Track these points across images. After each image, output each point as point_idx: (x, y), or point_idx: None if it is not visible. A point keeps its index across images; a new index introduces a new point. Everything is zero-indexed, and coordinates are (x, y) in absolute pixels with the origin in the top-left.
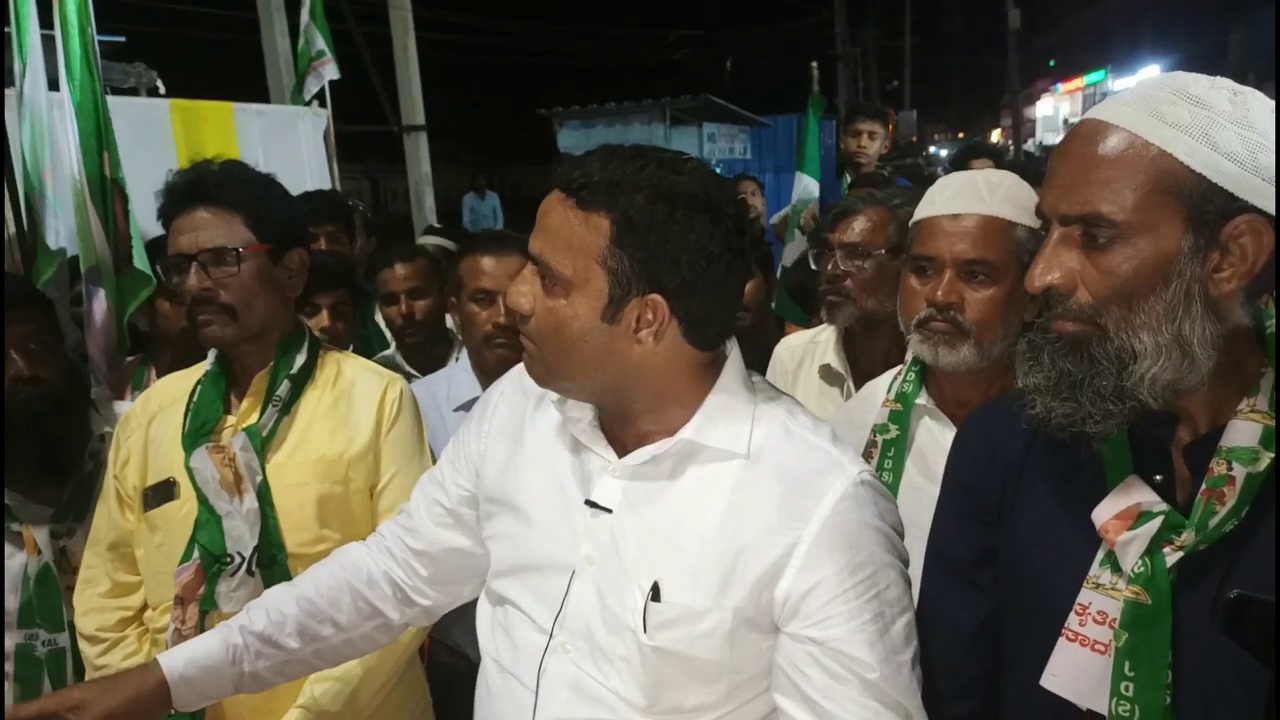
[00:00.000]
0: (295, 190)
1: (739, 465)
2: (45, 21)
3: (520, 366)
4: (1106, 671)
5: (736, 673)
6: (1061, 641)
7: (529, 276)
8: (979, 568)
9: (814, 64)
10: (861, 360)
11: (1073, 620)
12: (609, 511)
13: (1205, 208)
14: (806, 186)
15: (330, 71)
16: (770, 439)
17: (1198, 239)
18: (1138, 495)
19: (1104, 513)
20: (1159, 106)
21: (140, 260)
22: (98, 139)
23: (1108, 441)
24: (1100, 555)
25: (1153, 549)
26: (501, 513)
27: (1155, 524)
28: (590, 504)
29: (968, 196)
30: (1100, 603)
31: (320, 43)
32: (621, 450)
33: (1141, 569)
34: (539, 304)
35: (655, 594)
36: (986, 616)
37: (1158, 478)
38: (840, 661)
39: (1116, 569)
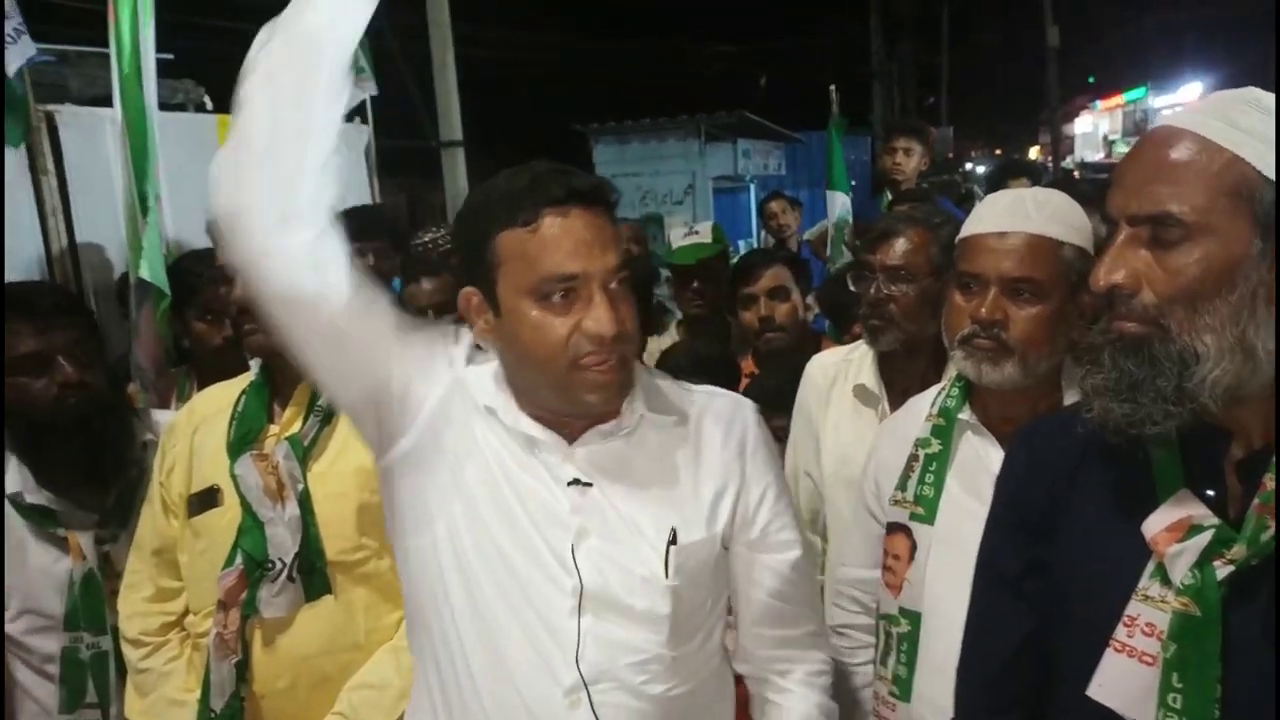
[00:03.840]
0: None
1: (674, 421)
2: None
3: (470, 377)
4: (1154, 683)
5: (719, 592)
6: (1109, 652)
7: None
8: (1026, 580)
9: (832, 86)
10: (898, 381)
11: (1120, 631)
12: (590, 485)
13: (1274, 213)
14: (842, 203)
15: (369, 88)
16: (680, 397)
17: (1265, 243)
18: (1189, 508)
19: (1154, 525)
20: (1232, 114)
21: (158, 275)
22: (147, 154)
23: (1163, 446)
24: (1150, 568)
25: (1203, 562)
26: (460, 500)
27: (1205, 537)
28: (575, 482)
29: (1014, 214)
30: (1149, 615)
31: (362, 60)
32: (569, 435)
33: (1191, 581)
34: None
35: (673, 538)
36: (1033, 629)
37: (1209, 492)
38: (775, 545)
39: (1166, 581)
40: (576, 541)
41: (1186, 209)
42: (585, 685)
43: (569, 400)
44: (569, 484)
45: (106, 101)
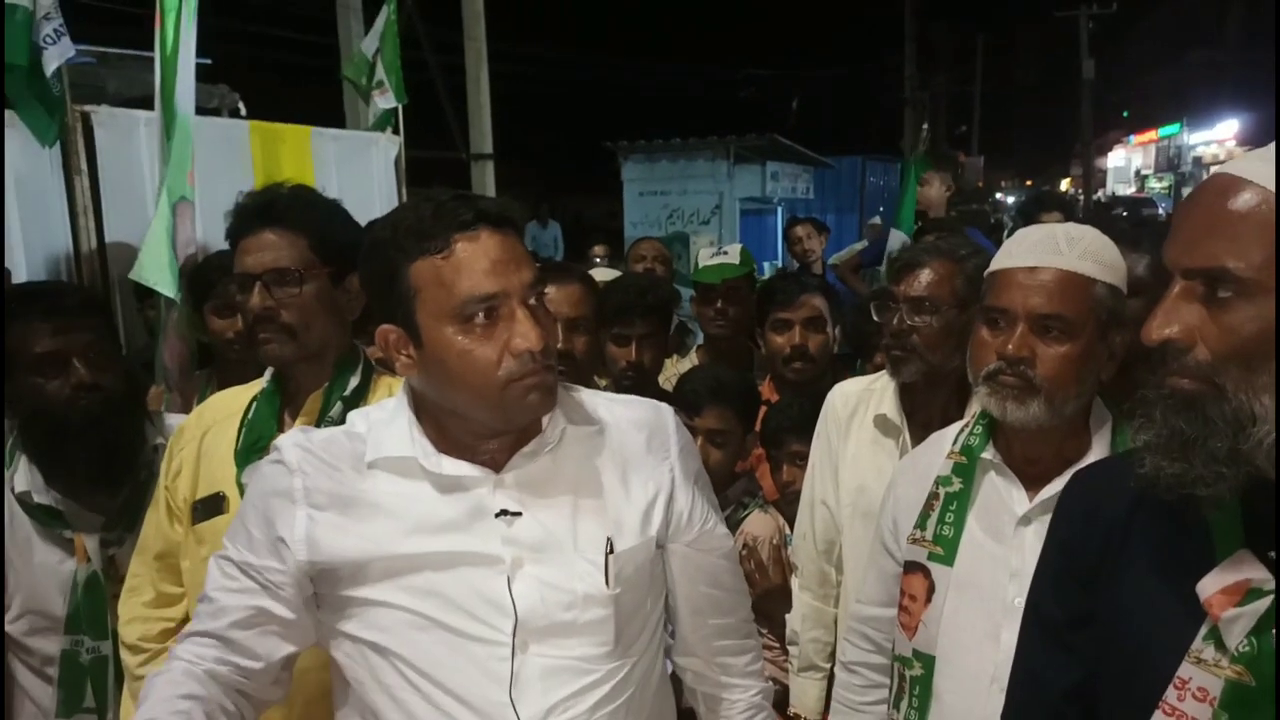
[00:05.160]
0: (366, 215)
1: (595, 431)
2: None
3: (296, 439)
4: None
5: (658, 592)
6: (1158, 715)
7: None
8: (1074, 630)
9: (925, 125)
10: (919, 412)
11: (1171, 694)
12: (519, 515)
13: None
14: (902, 242)
15: (388, 100)
16: (599, 408)
17: None
18: (1248, 571)
19: (1210, 586)
20: None
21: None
22: (170, 158)
23: (1219, 508)
24: (1204, 629)
25: (1260, 628)
26: (380, 580)
27: (1264, 603)
28: (503, 513)
29: (1046, 250)
30: (1201, 678)
31: (381, 73)
32: (491, 462)
33: (1247, 648)
34: None
35: (610, 548)
36: (1078, 681)
37: (1272, 554)
38: (713, 542)
39: (1220, 645)
40: (512, 573)
41: (1243, 265)
42: None
43: (504, 417)
44: (497, 515)
45: (142, 103)
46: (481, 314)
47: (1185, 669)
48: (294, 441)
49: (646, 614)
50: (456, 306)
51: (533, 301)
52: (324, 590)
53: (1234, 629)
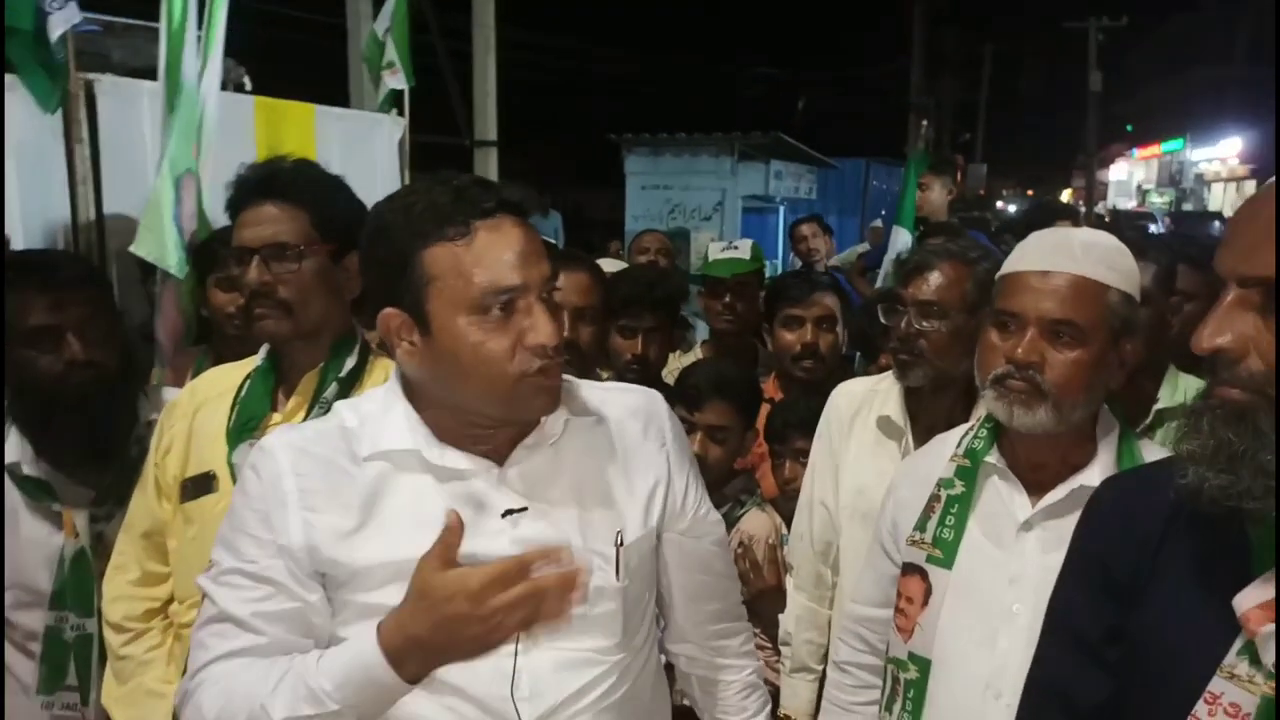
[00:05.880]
0: (368, 196)
1: (594, 422)
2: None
3: (287, 439)
4: None
5: (653, 581)
6: None
7: None
8: (1106, 645)
9: (924, 121)
10: (924, 416)
11: (1201, 709)
12: (524, 510)
13: None
14: (905, 240)
15: (399, 81)
16: (594, 397)
17: None
18: None
19: (1247, 600)
20: None
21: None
22: (173, 131)
23: (1262, 523)
24: (1238, 644)
25: None
26: (384, 584)
27: None
28: (509, 513)
29: (1060, 254)
30: (1233, 694)
31: (393, 54)
32: (492, 453)
33: None
34: None
35: (620, 540)
36: (1107, 698)
37: None
38: (705, 528)
39: (1255, 661)
40: None
41: None
42: None
43: (513, 411)
44: (503, 516)
45: (147, 74)
46: (499, 306)
47: (1217, 684)
48: (284, 441)
49: (645, 603)
50: (475, 297)
51: (547, 295)
52: (327, 592)
53: (1270, 644)
